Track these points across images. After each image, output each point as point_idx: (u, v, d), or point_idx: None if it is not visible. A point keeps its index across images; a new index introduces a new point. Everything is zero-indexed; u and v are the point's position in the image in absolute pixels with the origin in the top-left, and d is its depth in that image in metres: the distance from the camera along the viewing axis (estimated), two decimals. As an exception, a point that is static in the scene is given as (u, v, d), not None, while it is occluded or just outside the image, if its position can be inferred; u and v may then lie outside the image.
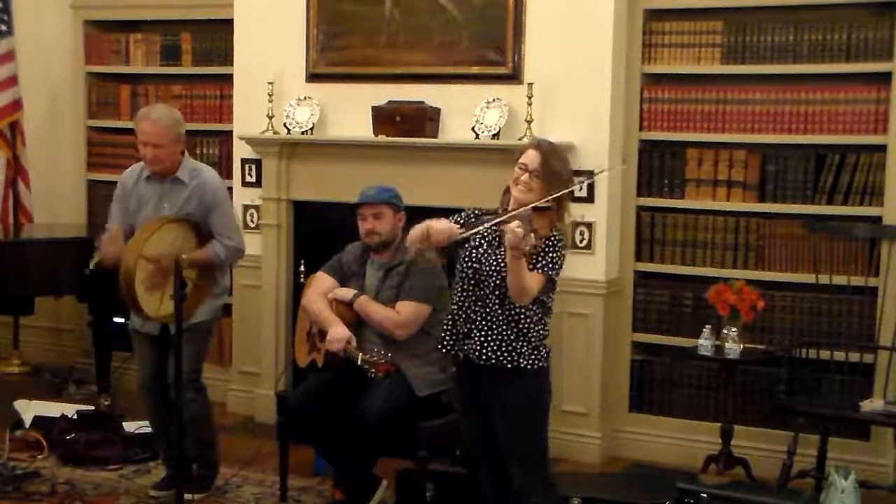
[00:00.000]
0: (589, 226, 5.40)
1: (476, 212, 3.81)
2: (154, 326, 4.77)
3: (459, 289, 3.78)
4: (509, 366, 3.68)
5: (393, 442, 4.53)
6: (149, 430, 5.32)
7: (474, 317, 3.73)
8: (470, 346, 3.73)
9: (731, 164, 5.42)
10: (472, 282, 3.74)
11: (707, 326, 5.14)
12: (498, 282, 3.67)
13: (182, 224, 4.65)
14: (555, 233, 3.67)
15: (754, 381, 5.38)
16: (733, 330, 5.05)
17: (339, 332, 4.52)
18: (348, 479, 4.67)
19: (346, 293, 4.67)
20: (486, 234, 3.75)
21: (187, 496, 4.54)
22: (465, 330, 3.75)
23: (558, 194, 3.67)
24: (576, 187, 3.89)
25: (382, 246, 4.66)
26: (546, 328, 3.78)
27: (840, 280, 5.12)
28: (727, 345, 5.05)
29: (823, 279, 5.13)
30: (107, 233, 4.84)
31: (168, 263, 4.49)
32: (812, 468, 4.95)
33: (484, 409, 3.79)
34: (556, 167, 3.71)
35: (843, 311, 5.18)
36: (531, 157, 3.71)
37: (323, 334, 4.62)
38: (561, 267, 3.69)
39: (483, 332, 3.71)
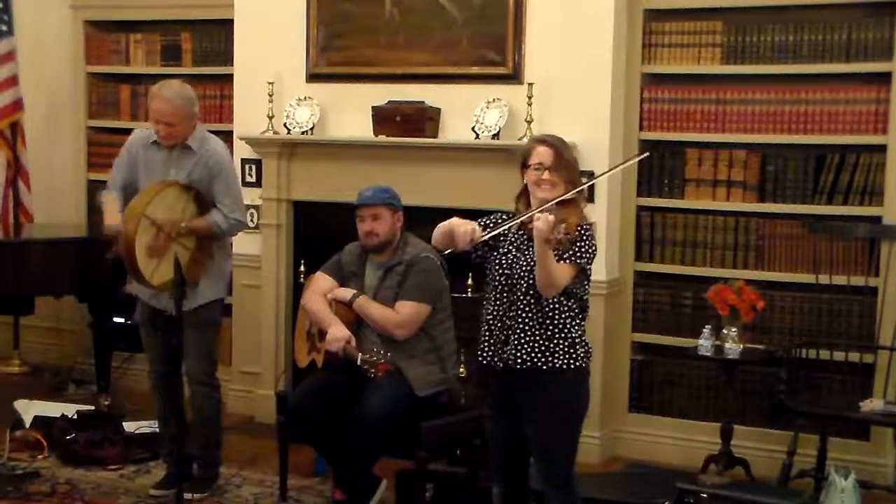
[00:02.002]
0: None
1: (497, 217, 3.77)
2: (165, 302, 4.68)
3: (493, 298, 3.75)
4: (545, 367, 3.65)
5: (393, 442, 4.53)
6: (149, 429, 5.33)
7: (510, 322, 3.69)
8: (509, 353, 3.69)
9: (731, 164, 5.42)
10: (506, 288, 3.71)
11: (707, 326, 5.14)
12: (530, 282, 3.63)
13: (184, 190, 4.66)
14: (584, 223, 3.66)
15: (754, 381, 5.38)
16: (733, 330, 5.05)
17: (338, 332, 4.51)
18: (348, 479, 4.66)
19: (346, 293, 4.66)
20: (513, 239, 3.73)
21: (187, 496, 4.55)
22: (503, 337, 3.71)
23: (585, 185, 3.69)
24: (603, 175, 3.87)
25: (381, 246, 4.66)
26: (583, 325, 3.74)
27: (840, 280, 5.13)
28: (727, 345, 5.05)
29: (823, 279, 5.13)
30: (104, 197, 4.80)
31: (168, 229, 4.49)
32: (812, 468, 4.96)
33: (514, 413, 3.75)
34: (569, 157, 3.73)
35: (842, 311, 5.18)
36: (545, 155, 3.67)
37: (322, 334, 4.62)
38: (592, 257, 3.66)
39: (518, 336, 3.67)
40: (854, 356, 5.07)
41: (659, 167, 5.55)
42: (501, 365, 3.72)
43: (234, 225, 4.77)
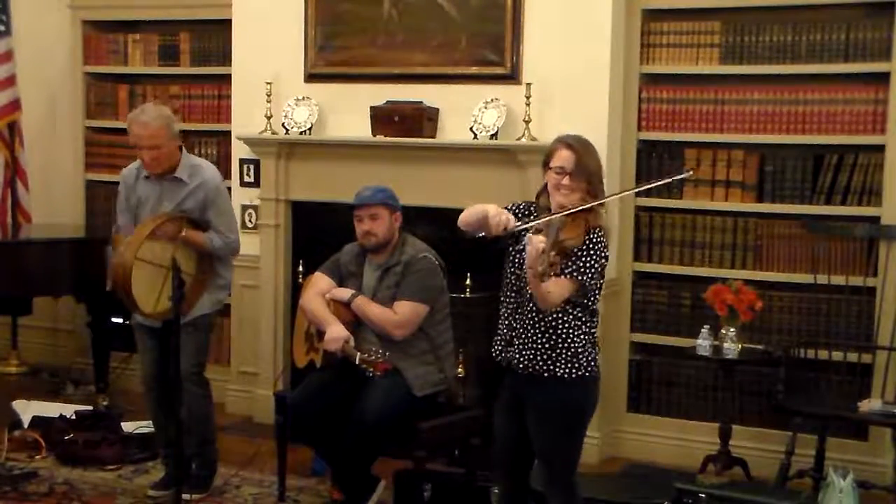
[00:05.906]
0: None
1: (525, 207, 3.71)
2: (155, 321, 4.75)
3: (505, 294, 3.72)
4: (546, 374, 3.62)
5: (391, 442, 4.53)
6: (147, 430, 5.33)
7: (515, 325, 3.67)
8: (512, 354, 3.68)
9: (730, 165, 5.42)
10: (515, 287, 3.67)
11: (705, 326, 5.14)
12: None
13: (179, 220, 4.66)
14: (591, 236, 3.56)
15: (752, 381, 5.38)
16: (731, 330, 5.05)
17: (336, 332, 4.51)
18: (346, 479, 4.66)
19: (344, 293, 4.66)
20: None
21: (185, 496, 4.54)
22: (508, 338, 3.70)
23: (604, 200, 3.59)
24: (639, 188, 3.83)
25: (379, 247, 4.66)
26: (591, 334, 3.67)
27: (838, 280, 5.13)
28: (725, 345, 5.05)
29: (821, 279, 5.13)
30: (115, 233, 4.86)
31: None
32: (810, 468, 4.95)
33: (519, 413, 3.73)
34: (591, 165, 3.62)
35: (840, 311, 5.18)
36: (566, 159, 3.59)
37: (321, 334, 4.62)
38: (599, 270, 3.57)
39: (522, 340, 3.64)
40: (852, 356, 5.07)
41: (657, 167, 5.55)
42: (506, 364, 3.71)
43: (229, 243, 4.77)
